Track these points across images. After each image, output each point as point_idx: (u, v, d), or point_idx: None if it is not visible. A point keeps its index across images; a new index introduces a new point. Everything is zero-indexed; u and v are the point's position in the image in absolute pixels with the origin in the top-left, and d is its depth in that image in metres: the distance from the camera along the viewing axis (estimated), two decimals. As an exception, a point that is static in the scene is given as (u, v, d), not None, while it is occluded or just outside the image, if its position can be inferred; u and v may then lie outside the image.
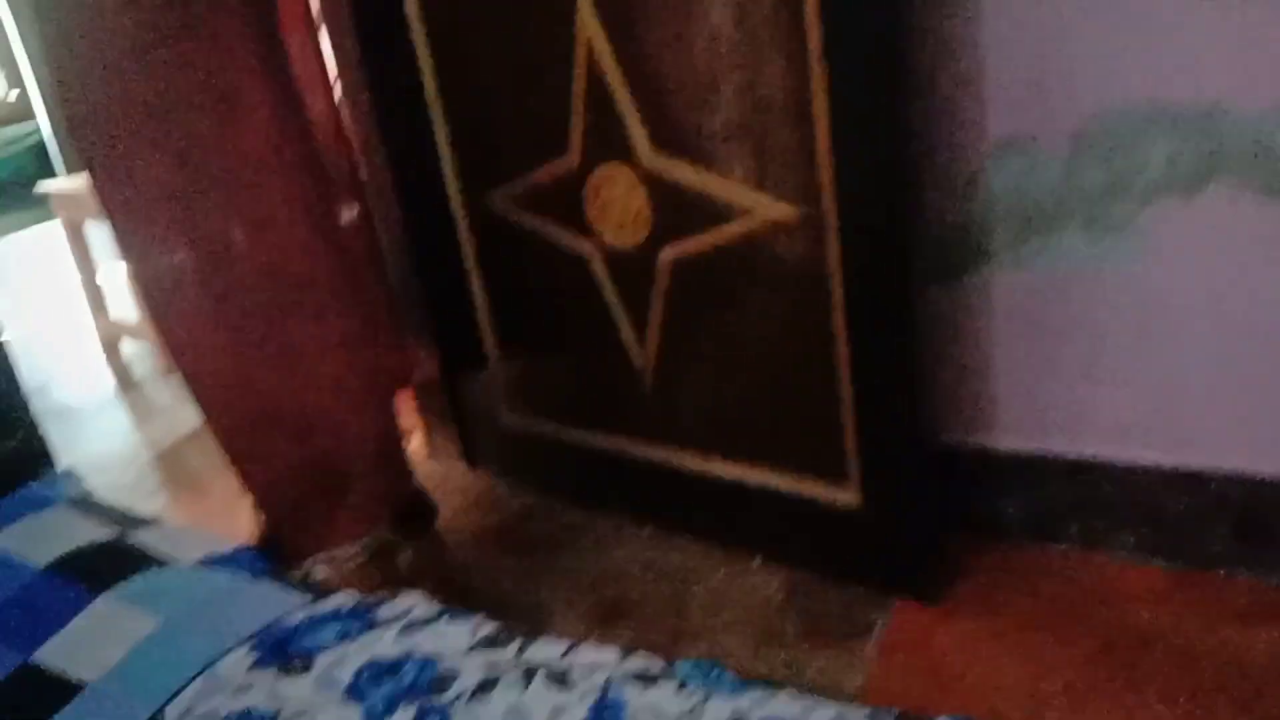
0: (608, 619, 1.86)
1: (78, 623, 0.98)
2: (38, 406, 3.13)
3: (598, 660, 0.87)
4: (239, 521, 2.32)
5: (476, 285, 2.18)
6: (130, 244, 1.92)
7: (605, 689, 0.84)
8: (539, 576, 1.99)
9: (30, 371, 3.41)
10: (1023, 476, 1.82)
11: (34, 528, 1.09)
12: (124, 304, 3.22)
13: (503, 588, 1.98)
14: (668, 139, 1.73)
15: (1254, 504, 1.66)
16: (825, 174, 1.58)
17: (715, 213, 1.73)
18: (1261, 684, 1.51)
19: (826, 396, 1.73)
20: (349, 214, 2.31)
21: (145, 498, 2.48)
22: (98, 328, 3.22)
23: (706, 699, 0.81)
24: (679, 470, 2.00)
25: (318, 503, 1.88)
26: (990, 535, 1.87)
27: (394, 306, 2.32)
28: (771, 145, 1.63)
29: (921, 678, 1.63)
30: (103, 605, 1.00)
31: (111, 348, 3.16)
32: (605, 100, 1.77)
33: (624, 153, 1.79)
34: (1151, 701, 1.51)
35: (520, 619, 1.84)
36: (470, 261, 2.17)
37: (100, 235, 3.27)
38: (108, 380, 3.23)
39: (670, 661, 0.86)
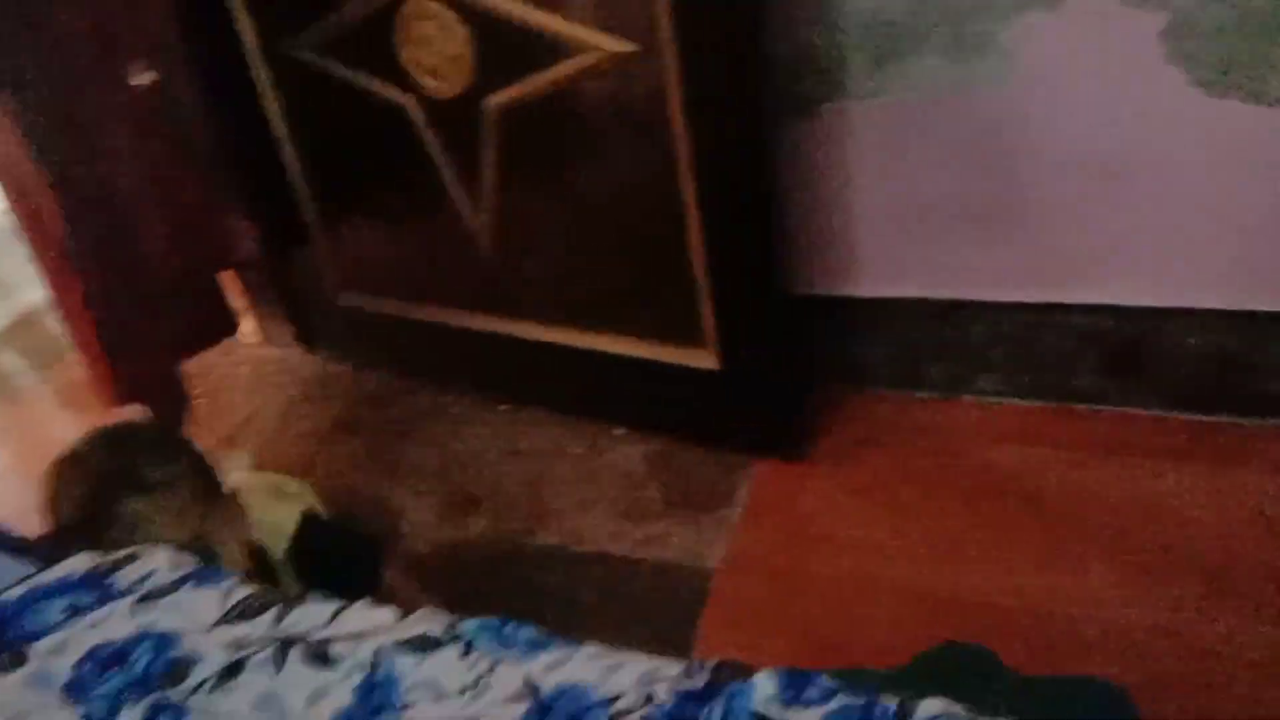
0: (461, 508, 1.72)
1: None
2: None
3: (368, 627, 0.72)
4: (54, 432, 2.10)
5: (289, 150, 1.93)
6: None
7: (375, 663, 0.69)
8: (387, 467, 1.83)
9: None
10: (885, 322, 1.71)
11: None
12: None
13: (348, 481, 1.82)
14: (478, -35, 1.48)
15: (1126, 336, 1.58)
16: (661, 2, 1.36)
17: (543, 52, 1.51)
18: (1126, 520, 1.47)
19: (676, 252, 1.57)
20: (143, 77, 2.00)
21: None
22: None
23: (494, 666, 0.68)
24: (529, 342, 1.84)
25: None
26: (853, 386, 1.78)
27: (206, 180, 2.05)
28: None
29: (787, 541, 1.56)
30: None
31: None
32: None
33: (434, -16, 1.53)
34: (1019, 547, 1.46)
35: (369, 515, 1.70)
36: (279, 123, 1.90)
37: None
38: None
39: (453, 624, 0.71)
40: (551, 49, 1.51)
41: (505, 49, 1.57)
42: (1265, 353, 1.51)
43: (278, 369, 2.13)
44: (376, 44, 1.68)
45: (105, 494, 1.00)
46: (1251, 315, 1.49)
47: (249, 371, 2.15)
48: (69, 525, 1.00)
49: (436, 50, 1.64)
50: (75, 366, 2.23)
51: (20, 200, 1.82)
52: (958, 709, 0.60)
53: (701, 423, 1.74)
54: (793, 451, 1.68)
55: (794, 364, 1.66)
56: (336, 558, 1.25)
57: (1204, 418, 1.58)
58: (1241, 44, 1.33)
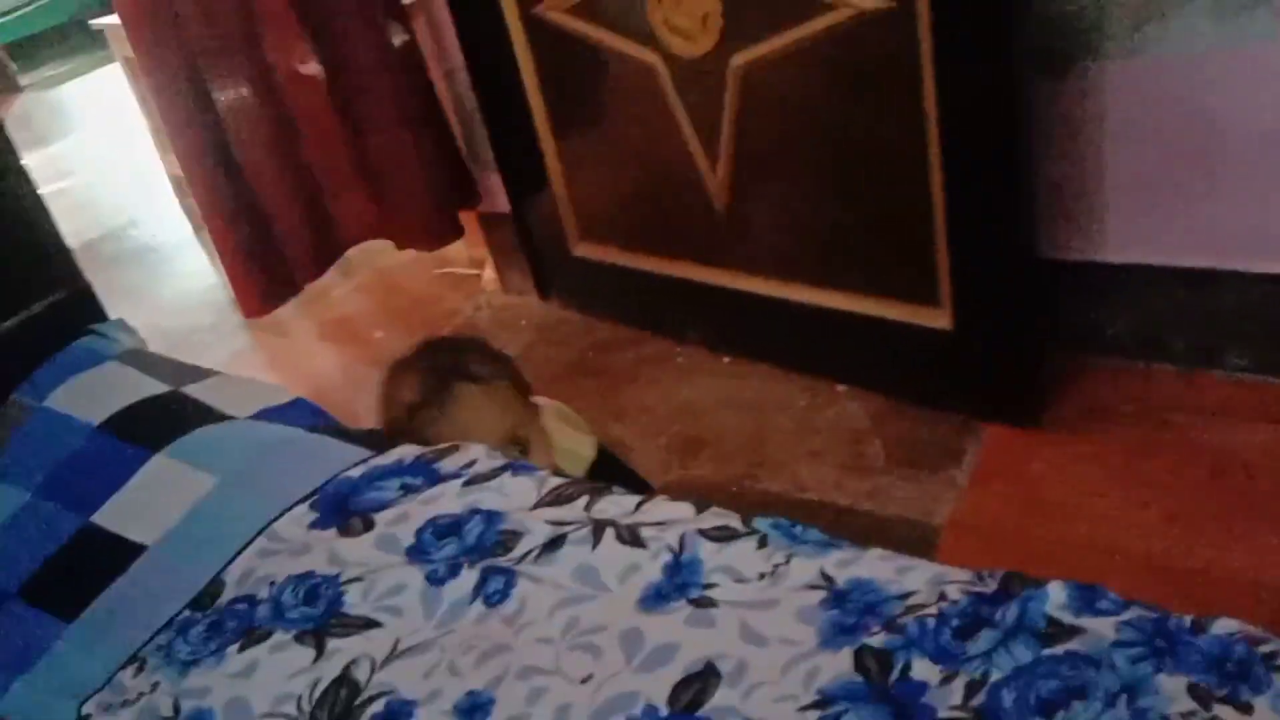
0: (687, 451, 1.81)
1: (135, 483, 0.95)
2: (117, 248, 3.15)
3: (671, 516, 0.80)
4: (315, 363, 2.32)
5: (537, 107, 2.05)
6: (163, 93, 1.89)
7: (680, 546, 0.77)
8: (617, 410, 1.94)
9: (108, 213, 3.44)
10: (1129, 290, 1.67)
11: (86, 385, 1.05)
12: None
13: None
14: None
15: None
16: (917, -46, 1.39)
17: (794, 8, 1.56)
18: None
19: (916, 210, 1.59)
20: (400, 37, 2.18)
21: (225, 337, 2.48)
22: (165, 168, 3.18)
23: (789, 558, 0.74)
24: (758, 296, 1.90)
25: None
26: (1093, 353, 1.75)
27: (448, 132, 2.23)
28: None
29: (1016, 506, 1.56)
30: (159, 464, 0.96)
31: (181, 188, 3.13)
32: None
33: (689, -56, 1.60)
34: (1264, 531, 1.41)
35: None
36: (530, 83, 2.03)
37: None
38: (183, 221, 3.21)
39: (747, 519, 0.78)
40: (802, 5, 1.56)
41: (755, 7, 1.62)
42: None
43: (515, 315, 2.28)
44: (628, 5, 1.78)
45: (438, 384, 1.12)
46: None
47: (489, 316, 2.31)
48: (396, 422, 1.13)
49: (686, 10, 1.71)
50: (335, 305, 2.47)
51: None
52: (1252, 628, 0.62)
53: (930, 383, 1.76)
54: (1025, 417, 1.68)
55: (1032, 328, 1.65)
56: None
57: None
58: None
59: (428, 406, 1.12)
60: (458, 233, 2.31)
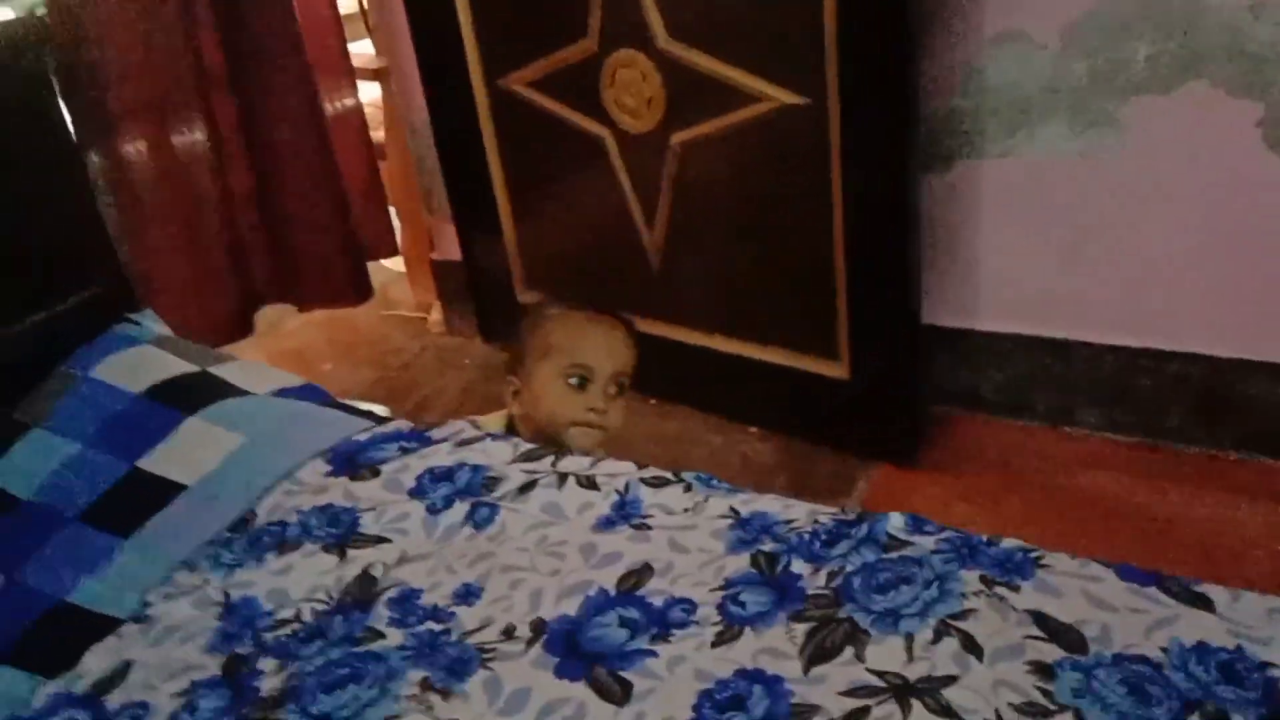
0: (614, 476, 2.08)
1: (174, 438, 1.19)
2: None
3: (618, 469, 1.08)
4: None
5: (494, 166, 2.35)
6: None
7: (625, 489, 1.05)
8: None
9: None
10: (999, 354, 2.02)
11: (126, 360, 1.28)
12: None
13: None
14: (683, 26, 1.89)
15: (1212, 382, 1.86)
16: (831, 63, 1.74)
17: (725, 99, 1.89)
18: (1209, 543, 1.73)
19: (822, 276, 1.92)
20: (339, 98, 2.46)
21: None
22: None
23: (707, 498, 1.03)
24: (683, 345, 2.20)
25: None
26: (968, 408, 2.09)
27: (380, 187, 2.50)
28: (780, 34, 1.78)
29: (898, 531, 1.86)
30: (194, 423, 1.20)
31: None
32: (624, -14, 1.91)
33: (641, 39, 1.94)
34: (1099, 554, 1.74)
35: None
36: (489, 143, 2.33)
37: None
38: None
39: (677, 473, 1.06)
40: (733, 96, 1.89)
41: (693, 95, 1.95)
42: (1339, 406, 1.78)
43: (459, 354, 2.55)
44: (584, 85, 2.10)
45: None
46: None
47: (434, 354, 2.57)
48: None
49: (635, 93, 2.04)
50: (287, 338, 2.69)
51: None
52: (1029, 545, 0.92)
53: (827, 426, 2.07)
54: (908, 458, 2.00)
55: (916, 383, 1.98)
56: None
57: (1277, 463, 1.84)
58: (1329, 135, 1.63)
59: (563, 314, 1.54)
60: (367, 293, 2.55)
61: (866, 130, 1.77)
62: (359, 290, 2.51)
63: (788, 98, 1.83)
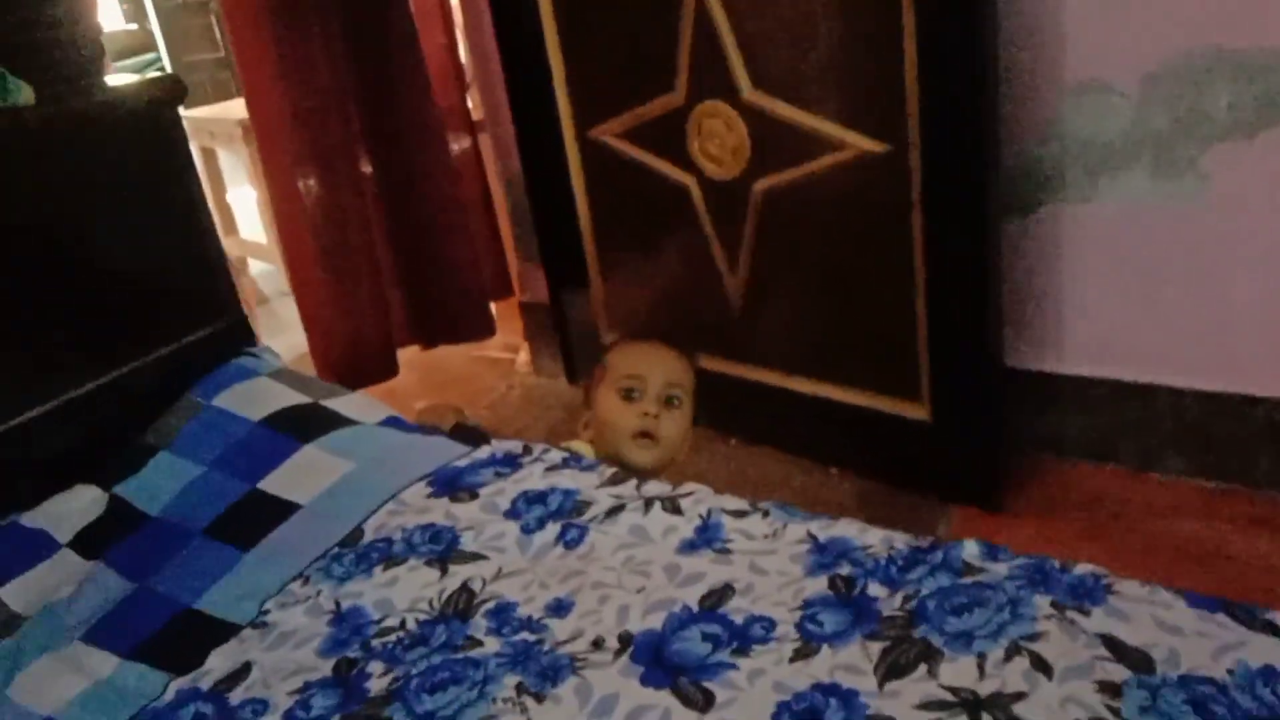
0: (696, 514, 2.13)
1: (289, 463, 1.29)
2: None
3: (701, 496, 1.14)
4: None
5: (583, 213, 2.45)
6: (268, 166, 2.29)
7: (708, 514, 1.11)
8: (634, 478, 2.27)
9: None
10: (1083, 398, 2.03)
11: (246, 390, 1.39)
12: (252, 226, 3.57)
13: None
14: (767, 77, 1.96)
15: (1300, 429, 1.85)
16: (912, 111, 1.80)
17: (808, 147, 1.96)
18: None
19: (903, 319, 1.96)
20: (460, 145, 2.61)
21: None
22: (227, 247, 3.57)
23: (785, 525, 1.08)
24: (765, 386, 2.26)
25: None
26: (1051, 453, 2.10)
27: (497, 230, 2.63)
28: (862, 84, 1.85)
29: (979, 572, 1.88)
30: (310, 450, 1.30)
31: (240, 267, 3.52)
32: (711, 41, 2.01)
33: (727, 91, 2.02)
34: (1187, 598, 1.74)
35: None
36: (579, 191, 2.43)
37: (229, 160, 3.61)
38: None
39: (755, 503, 1.12)
40: (815, 144, 1.96)
41: (776, 143, 2.03)
42: None
43: (545, 395, 2.64)
44: (671, 135, 2.19)
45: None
46: None
47: (520, 395, 2.66)
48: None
49: (719, 143, 2.12)
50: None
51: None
52: (1102, 569, 0.95)
53: (909, 469, 2.10)
54: (990, 503, 2.01)
55: (999, 426, 2.00)
56: None
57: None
58: None
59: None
60: (491, 330, 2.70)
61: (947, 177, 1.82)
62: (486, 327, 2.68)
63: (869, 145, 1.89)
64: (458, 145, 2.73)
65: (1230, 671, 0.80)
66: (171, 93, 1.54)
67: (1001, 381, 2.01)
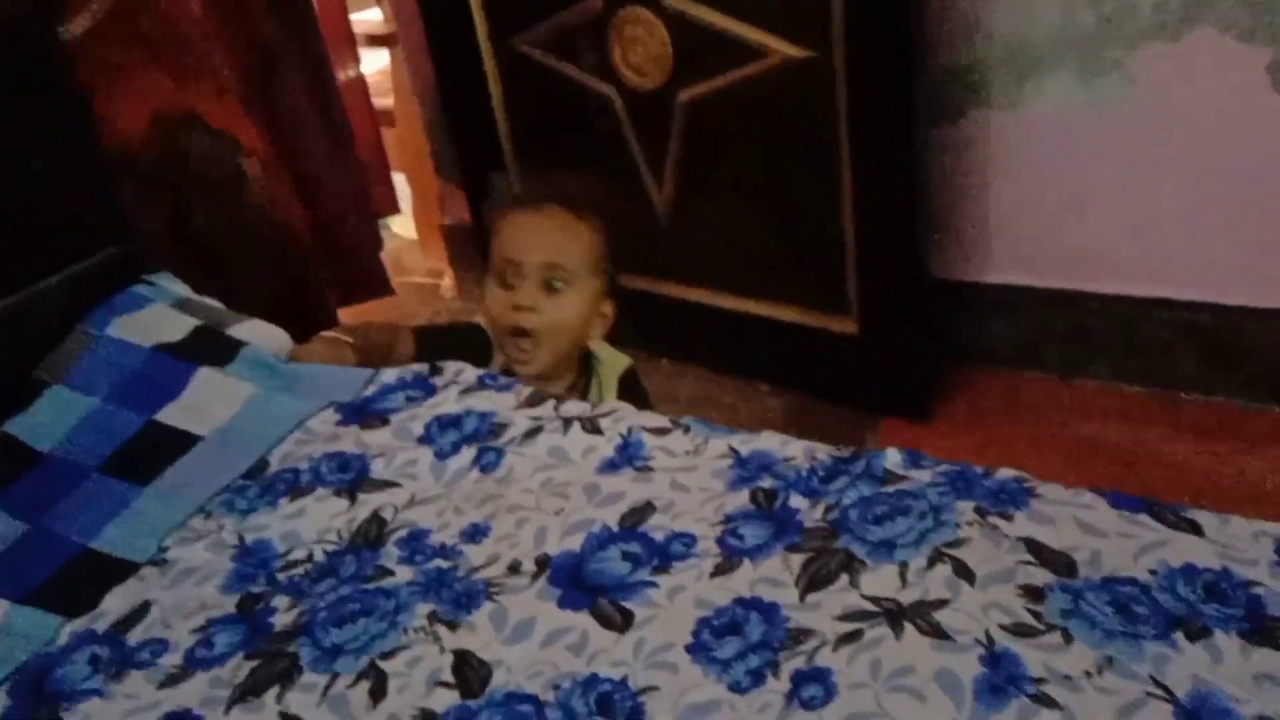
0: (626, 435, 2.11)
1: (189, 392, 1.22)
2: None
3: (621, 414, 1.10)
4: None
5: (503, 129, 2.36)
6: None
7: (628, 433, 1.07)
8: (563, 400, 2.24)
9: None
10: (1009, 307, 2.03)
11: (141, 320, 1.31)
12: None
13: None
14: (688, -19, 1.89)
15: (1222, 330, 1.87)
16: (837, 16, 1.74)
17: (731, 54, 1.91)
18: (1218, 491, 1.74)
19: (830, 233, 1.93)
20: (348, 73, 2.47)
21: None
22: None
23: (707, 440, 1.05)
24: (694, 305, 2.22)
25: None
26: (978, 362, 2.10)
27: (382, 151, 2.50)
28: (785, -12, 1.79)
29: (908, 483, 1.88)
30: (209, 378, 1.24)
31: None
32: (628, -56, 1.92)
33: (647, -5, 1.94)
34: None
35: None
36: (498, 105, 2.35)
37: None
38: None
39: (676, 420, 1.09)
40: (739, 51, 1.90)
41: (700, 51, 1.96)
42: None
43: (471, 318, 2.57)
44: (591, 43, 2.11)
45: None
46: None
47: (447, 320, 2.59)
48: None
49: (642, 51, 2.05)
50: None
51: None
52: (1023, 472, 0.94)
53: (837, 383, 2.09)
54: (919, 413, 2.02)
55: (926, 337, 1.99)
56: None
57: (1288, 409, 1.85)
58: (1338, 79, 1.63)
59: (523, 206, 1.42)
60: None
61: (873, 84, 1.78)
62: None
63: (793, 51, 1.83)
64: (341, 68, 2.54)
65: (1152, 572, 0.79)
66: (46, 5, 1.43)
67: (929, 292, 2.00)
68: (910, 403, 2.02)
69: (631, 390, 1.51)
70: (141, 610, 0.98)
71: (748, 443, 1.04)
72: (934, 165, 1.94)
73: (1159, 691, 0.70)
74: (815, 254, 2.00)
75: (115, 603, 0.99)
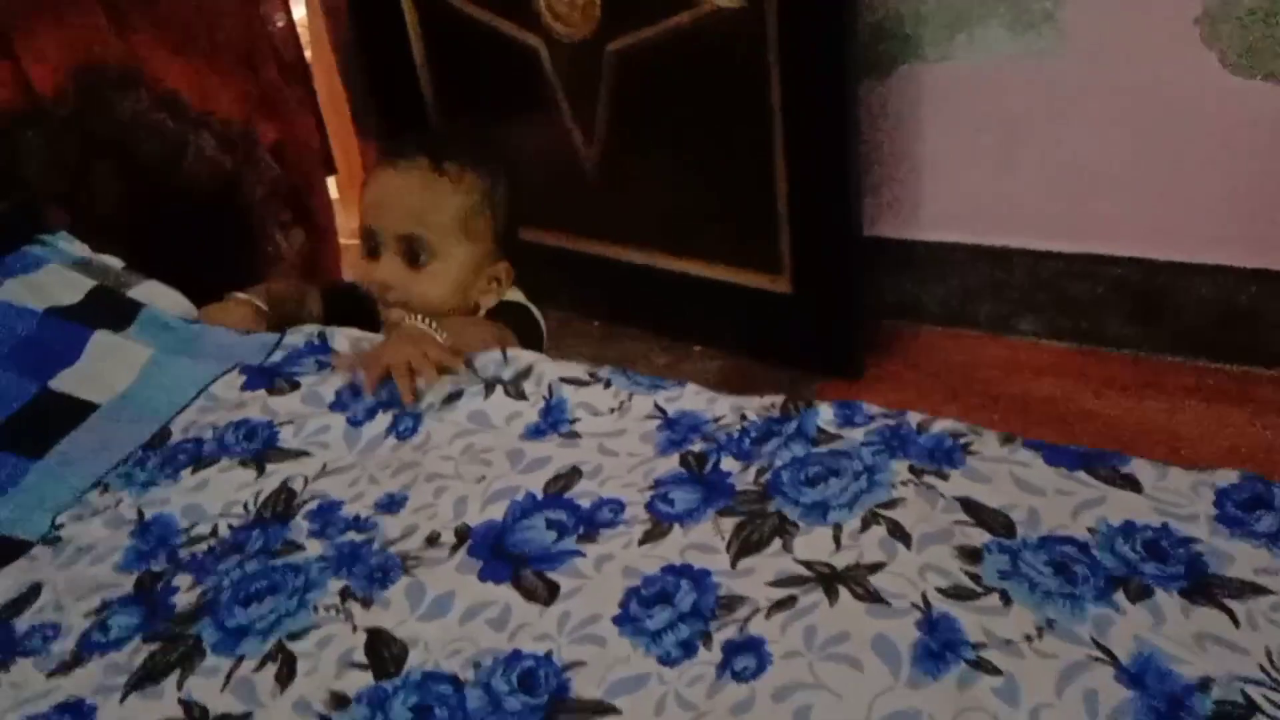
0: (557, 398, 2.06)
1: (85, 357, 1.14)
2: None
3: (540, 371, 1.06)
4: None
5: (425, 82, 2.28)
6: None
7: (550, 393, 1.03)
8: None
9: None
10: (940, 264, 2.02)
11: (34, 281, 1.23)
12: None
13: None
14: (614, -74, 1.82)
15: (1150, 286, 1.87)
16: (766, -36, 1.69)
17: (663, 3, 1.84)
18: (1149, 445, 1.74)
19: (763, 190, 1.89)
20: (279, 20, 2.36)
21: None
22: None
23: (631, 396, 1.01)
24: (624, 265, 2.17)
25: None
26: (910, 321, 2.09)
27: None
28: (713, -65, 1.73)
29: (841, 442, 1.87)
30: (106, 341, 1.16)
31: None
32: (551, -112, 1.84)
33: (571, -58, 1.87)
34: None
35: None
36: (419, 58, 2.26)
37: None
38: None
39: (593, 372, 1.05)
40: (668, 1, 1.84)
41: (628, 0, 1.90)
42: (1272, 307, 1.79)
43: (395, 280, 2.49)
44: (515, -8, 2.03)
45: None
46: (1259, 273, 1.77)
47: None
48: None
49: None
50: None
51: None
52: (958, 425, 0.91)
53: (771, 343, 2.06)
54: (853, 372, 1.99)
55: (858, 295, 1.97)
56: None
57: (1211, 364, 1.86)
58: (1266, 32, 1.62)
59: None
60: None
61: (804, 34, 1.73)
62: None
63: (724, 1, 1.78)
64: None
65: (1091, 530, 0.77)
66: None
67: (862, 251, 1.97)
68: (843, 361, 2.00)
69: (508, 318, 1.32)
70: (32, 593, 0.91)
71: (673, 400, 1.00)
72: (865, 121, 1.91)
73: (1100, 654, 0.67)
74: (747, 211, 1.96)
75: (3, 584, 0.92)
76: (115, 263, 1.30)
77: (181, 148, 1.78)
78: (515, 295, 1.37)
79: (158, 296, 1.25)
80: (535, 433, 1.00)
